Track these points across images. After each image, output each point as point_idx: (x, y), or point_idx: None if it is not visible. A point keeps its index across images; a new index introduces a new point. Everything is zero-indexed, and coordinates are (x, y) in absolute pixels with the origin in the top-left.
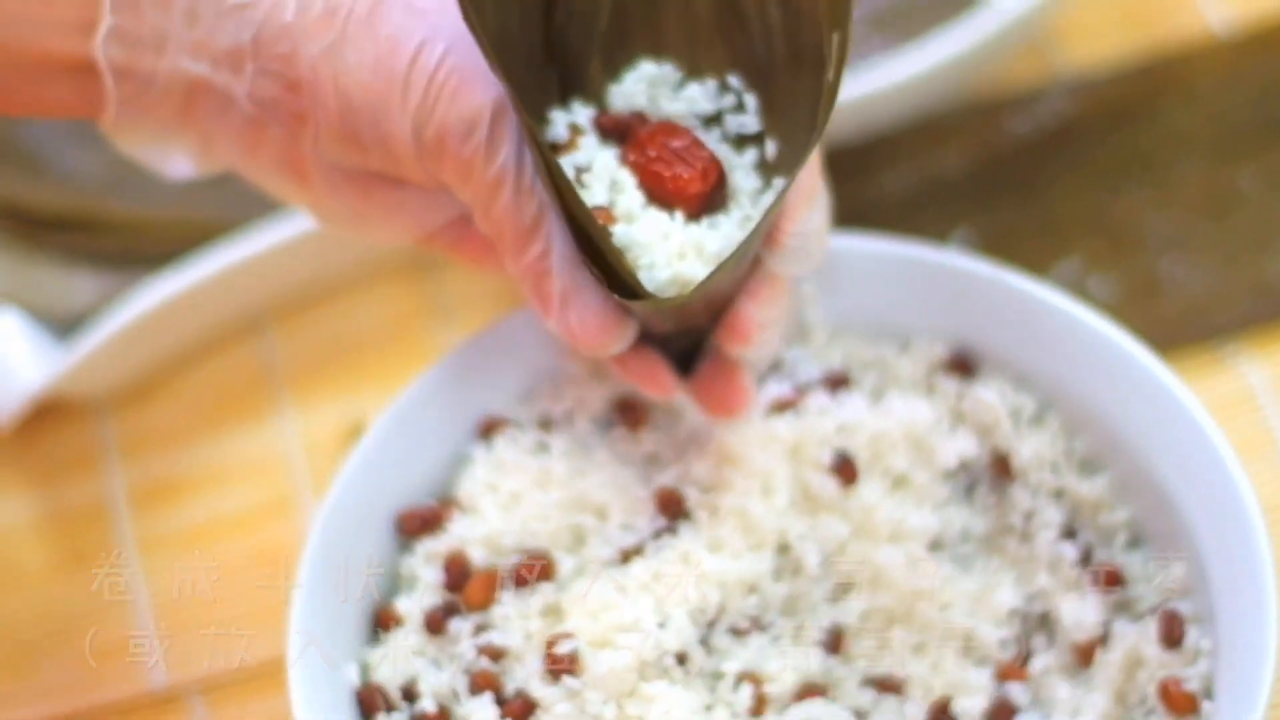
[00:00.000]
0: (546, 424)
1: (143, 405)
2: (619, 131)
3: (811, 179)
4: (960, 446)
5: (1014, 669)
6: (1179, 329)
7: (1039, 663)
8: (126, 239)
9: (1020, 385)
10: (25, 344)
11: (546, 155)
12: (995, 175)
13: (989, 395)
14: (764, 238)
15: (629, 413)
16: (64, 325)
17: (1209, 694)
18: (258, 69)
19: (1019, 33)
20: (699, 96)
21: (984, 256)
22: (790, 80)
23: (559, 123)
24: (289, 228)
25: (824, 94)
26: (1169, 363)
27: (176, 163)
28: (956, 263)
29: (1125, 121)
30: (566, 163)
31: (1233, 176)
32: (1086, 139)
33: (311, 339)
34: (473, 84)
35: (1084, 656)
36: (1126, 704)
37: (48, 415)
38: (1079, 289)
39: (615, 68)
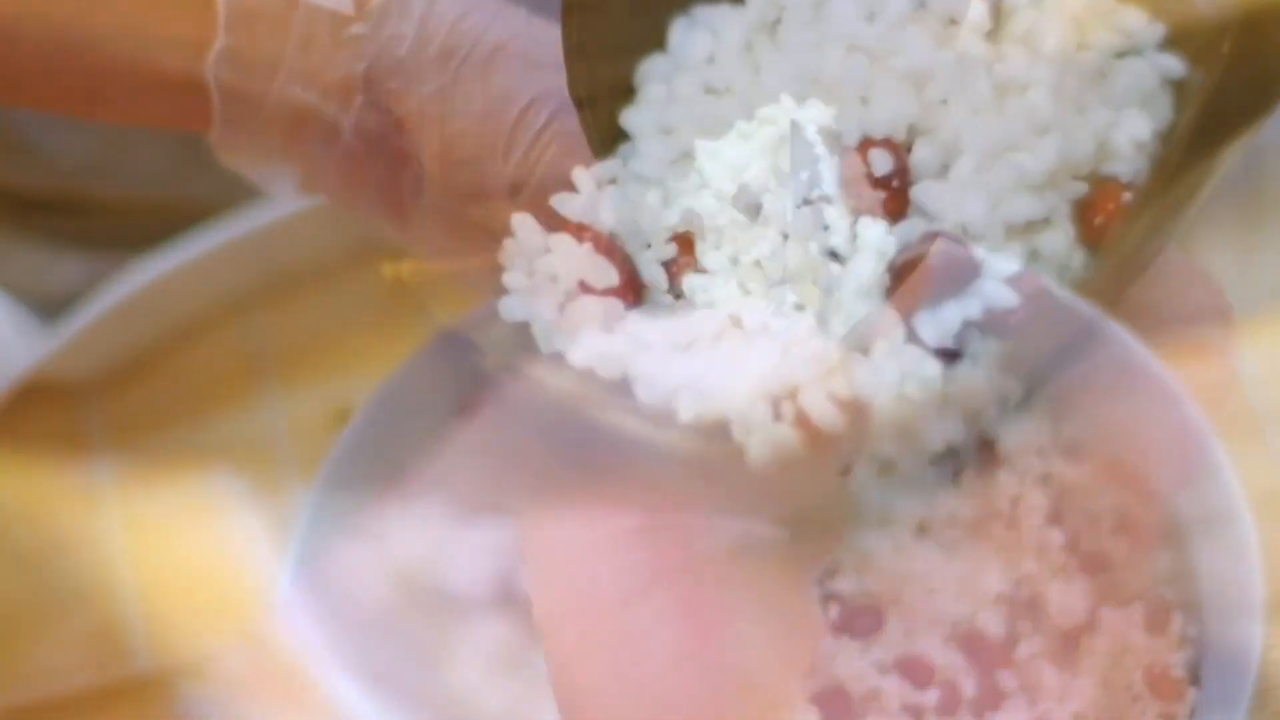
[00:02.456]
0: None
1: (129, 388)
2: None
3: None
4: (947, 431)
5: (1001, 655)
6: None
7: (1025, 648)
8: (112, 221)
9: (1006, 369)
10: (10, 326)
11: None
12: None
13: (976, 379)
14: None
15: None
16: (49, 307)
17: (1196, 680)
18: (366, 102)
19: None
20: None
21: None
22: None
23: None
24: (275, 210)
25: None
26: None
27: (281, 185)
28: None
29: None
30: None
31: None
32: None
33: (298, 322)
34: (575, 152)
35: (1071, 642)
36: (1113, 690)
37: (33, 397)
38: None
39: None
